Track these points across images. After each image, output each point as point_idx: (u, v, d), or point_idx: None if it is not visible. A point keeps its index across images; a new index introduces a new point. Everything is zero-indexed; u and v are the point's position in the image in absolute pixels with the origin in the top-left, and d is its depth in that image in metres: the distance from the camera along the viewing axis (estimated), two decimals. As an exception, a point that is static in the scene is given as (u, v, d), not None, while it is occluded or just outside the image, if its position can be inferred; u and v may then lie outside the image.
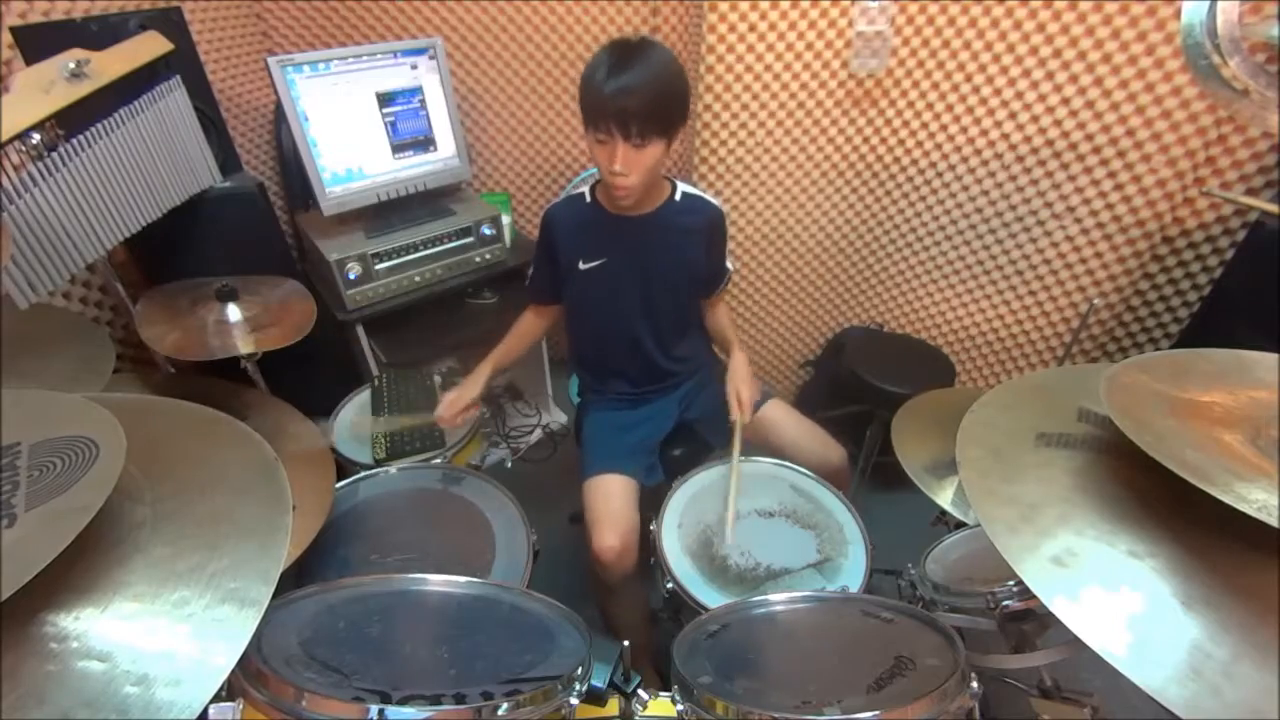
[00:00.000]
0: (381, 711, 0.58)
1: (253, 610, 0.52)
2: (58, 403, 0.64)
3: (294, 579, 0.96)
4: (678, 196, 1.25)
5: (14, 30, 1.16)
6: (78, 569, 0.52)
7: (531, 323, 1.41)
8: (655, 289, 1.27)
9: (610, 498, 1.20)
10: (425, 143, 1.74)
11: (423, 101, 1.69)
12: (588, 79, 1.02)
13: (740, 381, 1.23)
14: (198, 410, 0.73)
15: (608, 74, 0.99)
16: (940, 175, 1.72)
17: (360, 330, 1.66)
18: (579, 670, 0.70)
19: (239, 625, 0.51)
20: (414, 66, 1.65)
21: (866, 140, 1.73)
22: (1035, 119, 1.55)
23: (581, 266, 1.25)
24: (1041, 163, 1.59)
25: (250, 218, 1.47)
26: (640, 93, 0.99)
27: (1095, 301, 1.56)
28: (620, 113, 0.99)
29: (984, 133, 1.62)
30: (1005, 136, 1.60)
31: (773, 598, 0.89)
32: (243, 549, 0.56)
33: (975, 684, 0.67)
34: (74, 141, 1.05)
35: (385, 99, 1.63)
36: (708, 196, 1.29)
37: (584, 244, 1.24)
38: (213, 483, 0.63)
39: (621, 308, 1.29)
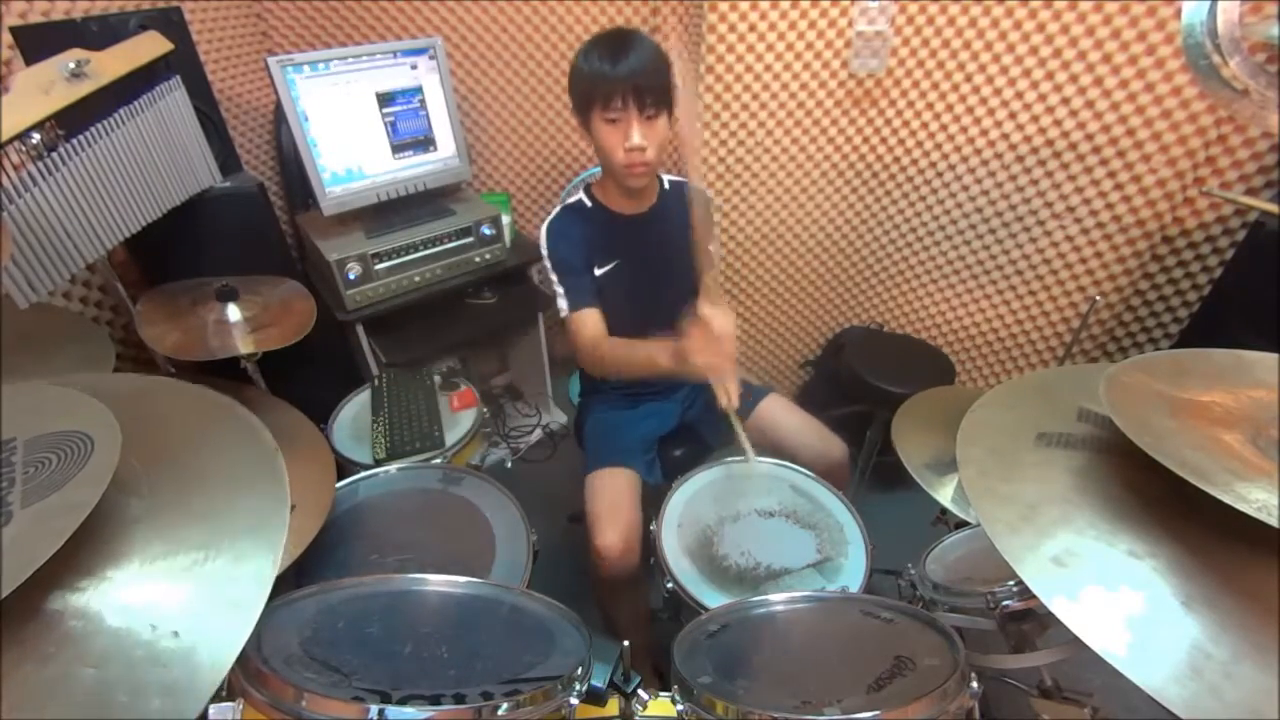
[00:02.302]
0: (381, 711, 0.58)
1: (247, 612, 0.51)
2: (53, 396, 0.64)
3: (294, 579, 0.95)
4: (666, 185, 1.28)
5: (14, 30, 1.16)
6: (72, 569, 0.51)
7: (603, 336, 1.23)
8: (668, 282, 1.28)
9: (612, 493, 1.20)
10: (425, 143, 1.74)
11: (423, 101, 1.69)
12: (591, 67, 1.06)
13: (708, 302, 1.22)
14: (200, 392, 0.72)
15: (614, 56, 1.04)
16: (940, 175, 1.72)
17: (360, 330, 1.66)
18: (579, 670, 0.70)
19: (234, 629, 0.50)
20: (414, 66, 1.65)
21: (866, 140, 1.73)
22: (1035, 119, 1.55)
23: (597, 273, 1.24)
24: (1041, 163, 1.59)
25: (250, 218, 1.47)
26: (649, 67, 1.05)
27: (1097, 299, 1.56)
28: (636, 88, 1.05)
29: (984, 133, 1.62)
30: (1005, 136, 1.60)
31: (773, 598, 0.89)
32: (239, 547, 0.56)
33: (975, 684, 0.67)
34: (74, 141, 1.05)
35: (385, 99, 1.63)
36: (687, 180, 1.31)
37: (594, 249, 1.24)
38: (211, 472, 0.63)
39: (637, 307, 1.28)
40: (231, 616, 0.51)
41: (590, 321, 1.21)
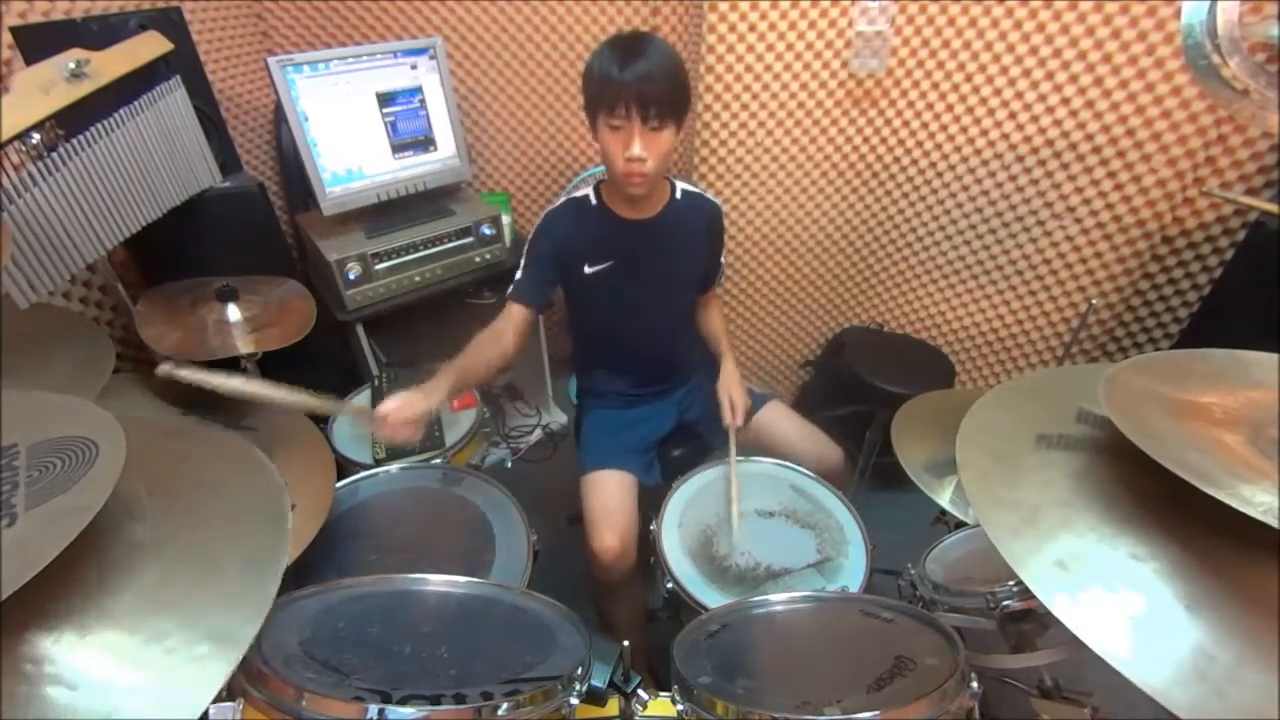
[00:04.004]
0: (381, 711, 0.58)
1: (232, 650, 0.50)
2: (55, 404, 0.64)
3: (294, 579, 0.95)
4: (678, 195, 1.25)
5: (14, 30, 1.16)
6: (69, 589, 0.51)
7: (502, 334, 1.20)
8: (661, 291, 1.27)
9: (608, 495, 1.20)
10: (425, 143, 1.74)
11: (423, 101, 1.69)
12: (600, 70, 1.04)
13: (732, 387, 1.27)
14: (213, 432, 0.73)
15: (623, 61, 1.01)
16: (940, 175, 1.72)
17: (360, 330, 1.66)
18: (579, 670, 0.70)
19: (215, 666, 0.49)
20: (414, 66, 1.65)
21: (866, 140, 1.73)
22: (1035, 119, 1.55)
23: (587, 271, 1.24)
24: (1041, 163, 1.59)
25: (250, 218, 1.47)
26: (658, 76, 1.02)
27: (1095, 301, 1.56)
28: (640, 96, 1.02)
29: (984, 133, 1.62)
30: (1005, 136, 1.60)
31: (773, 598, 0.89)
32: (233, 583, 0.55)
33: (975, 684, 0.67)
34: (74, 141, 1.05)
35: (385, 99, 1.63)
36: (705, 192, 1.30)
37: (590, 247, 1.23)
38: (217, 507, 0.62)
39: (627, 310, 1.28)
40: (215, 653, 0.50)
41: (510, 313, 1.22)
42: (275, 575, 0.57)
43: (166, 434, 0.73)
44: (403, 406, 1.02)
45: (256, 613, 0.53)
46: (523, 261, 1.26)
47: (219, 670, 0.49)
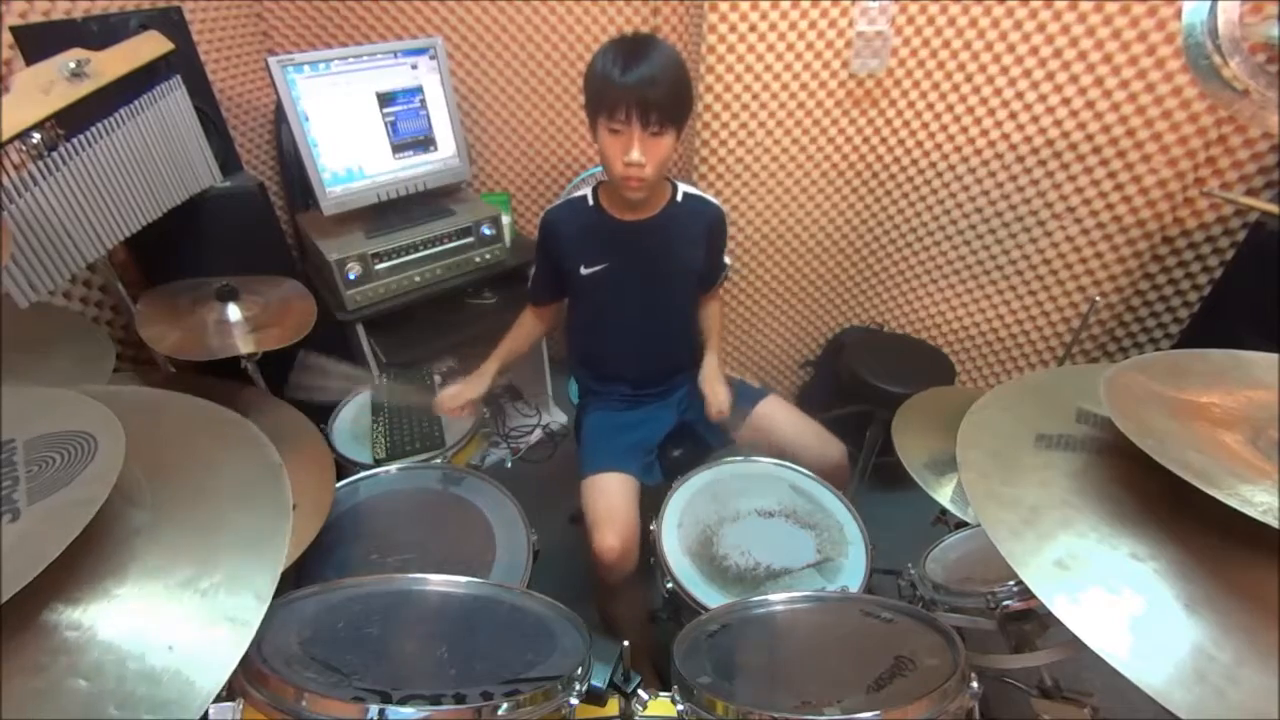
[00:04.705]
0: (381, 711, 0.58)
1: (244, 630, 0.50)
2: (52, 398, 0.63)
3: (294, 579, 0.95)
4: (679, 197, 1.25)
5: (14, 30, 1.16)
6: (72, 578, 0.51)
7: (532, 322, 1.41)
8: (658, 293, 1.27)
9: (610, 496, 1.20)
10: (425, 143, 1.74)
11: (423, 101, 1.69)
12: (602, 71, 1.03)
13: (709, 380, 1.29)
14: (207, 408, 0.72)
15: (625, 64, 1.00)
16: (940, 175, 1.72)
17: (360, 330, 1.66)
18: (579, 670, 0.70)
19: (229, 646, 0.49)
20: (414, 66, 1.65)
21: (866, 140, 1.73)
22: (1035, 119, 1.55)
23: (583, 271, 1.24)
24: (1041, 163, 1.59)
25: (250, 218, 1.47)
26: (660, 82, 1.01)
27: (1097, 299, 1.56)
28: (641, 101, 1.01)
29: (984, 133, 1.62)
30: (1005, 136, 1.60)
31: (773, 598, 0.89)
32: (238, 564, 0.55)
33: (975, 684, 0.67)
34: (74, 141, 1.05)
35: (385, 99, 1.63)
36: (708, 196, 1.29)
37: (585, 249, 1.24)
38: (215, 487, 0.62)
39: (623, 312, 1.28)
40: (227, 634, 0.50)
41: (526, 315, 1.41)
42: (280, 552, 0.57)
43: (158, 411, 0.72)
44: (455, 396, 1.28)
45: (264, 592, 0.53)
46: (536, 259, 1.33)
47: (233, 650, 0.49)
